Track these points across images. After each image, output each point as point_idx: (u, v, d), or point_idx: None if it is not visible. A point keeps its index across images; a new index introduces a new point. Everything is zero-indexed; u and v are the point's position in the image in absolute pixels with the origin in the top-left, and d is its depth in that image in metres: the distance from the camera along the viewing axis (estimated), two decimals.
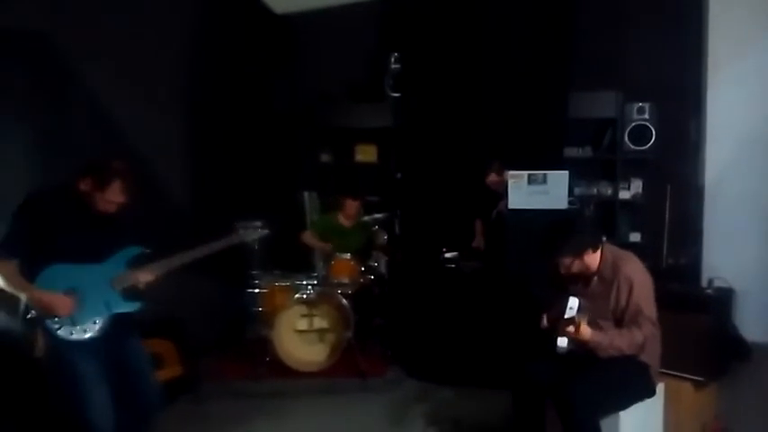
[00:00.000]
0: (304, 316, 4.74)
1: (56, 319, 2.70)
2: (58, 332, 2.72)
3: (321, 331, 4.77)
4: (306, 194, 6.37)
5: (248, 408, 4.16)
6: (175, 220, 4.64)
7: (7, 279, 2.67)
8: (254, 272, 4.95)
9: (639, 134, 5.22)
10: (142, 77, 4.46)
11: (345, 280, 4.99)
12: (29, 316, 2.70)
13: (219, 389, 4.42)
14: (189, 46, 5.10)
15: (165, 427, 3.78)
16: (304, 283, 4.81)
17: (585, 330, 2.69)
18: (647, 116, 5.20)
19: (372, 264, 5.40)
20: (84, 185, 2.76)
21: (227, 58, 5.54)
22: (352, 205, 5.34)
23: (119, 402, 2.80)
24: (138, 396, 2.93)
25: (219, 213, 3.27)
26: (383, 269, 5.56)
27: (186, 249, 3.04)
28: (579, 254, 2.89)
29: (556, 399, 2.80)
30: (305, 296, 4.67)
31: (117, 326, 2.86)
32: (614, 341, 2.76)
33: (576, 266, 2.92)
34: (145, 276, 2.91)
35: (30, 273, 2.71)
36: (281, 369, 4.60)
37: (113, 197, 2.78)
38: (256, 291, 4.93)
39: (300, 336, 4.74)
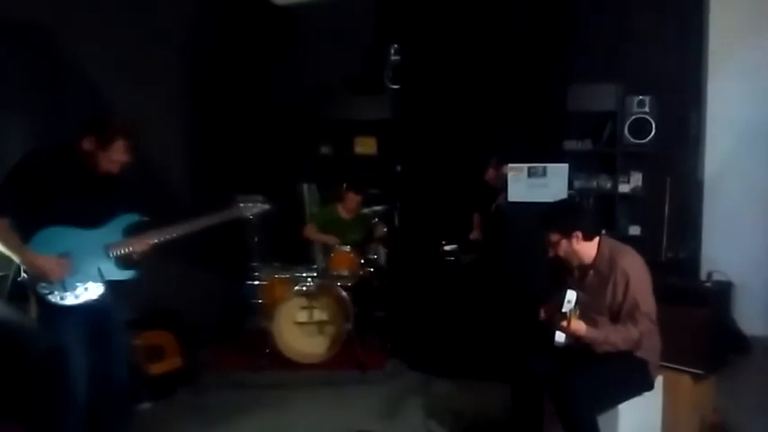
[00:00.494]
0: (304, 308, 4.74)
1: (47, 283, 2.66)
2: (48, 297, 2.68)
3: (321, 323, 4.78)
4: (305, 187, 6.37)
5: (248, 399, 4.17)
6: (173, 215, 4.63)
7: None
8: (253, 264, 4.95)
9: (639, 127, 5.22)
10: (143, 69, 4.44)
11: (345, 272, 4.98)
12: (20, 278, 2.67)
13: (219, 380, 4.43)
14: (190, 37, 5.08)
15: (166, 419, 3.82)
16: (304, 275, 4.80)
17: (578, 325, 2.68)
18: (647, 109, 5.19)
19: (372, 256, 5.40)
20: (87, 144, 2.71)
21: (227, 50, 5.52)
22: (353, 199, 5.33)
23: (92, 372, 2.77)
24: (111, 372, 2.90)
25: (217, 207, 3.20)
26: (383, 261, 5.56)
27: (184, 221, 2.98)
28: (567, 234, 2.86)
29: (553, 392, 2.80)
30: (305, 288, 4.67)
31: (107, 294, 2.81)
32: (609, 337, 2.75)
33: (563, 248, 2.88)
34: (140, 245, 2.85)
35: (25, 234, 2.65)
36: (281, 361, 4.61)
37: (117, 156, 2.74)
38: (256, 283, 4.92)
39: (300, 328, 4.76)
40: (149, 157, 4.43)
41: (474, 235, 4.99)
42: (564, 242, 2.87)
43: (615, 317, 2.84)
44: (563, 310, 2.72)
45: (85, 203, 2.77)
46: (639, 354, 2.83)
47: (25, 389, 3.11)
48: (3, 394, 3.13)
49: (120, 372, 2.96)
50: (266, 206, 3.28)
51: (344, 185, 5.38)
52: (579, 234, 2.87)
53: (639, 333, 2.76)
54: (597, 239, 2.93)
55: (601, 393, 2.75)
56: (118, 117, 2.80)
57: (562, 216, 2.93)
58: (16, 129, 3.52)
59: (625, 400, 2.84)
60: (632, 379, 2.87)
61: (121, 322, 2.98)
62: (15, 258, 2.65)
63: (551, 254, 2.93)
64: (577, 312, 2.68)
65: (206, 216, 3.05)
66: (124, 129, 2.75)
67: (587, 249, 2.91)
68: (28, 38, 3.64)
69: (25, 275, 2.67)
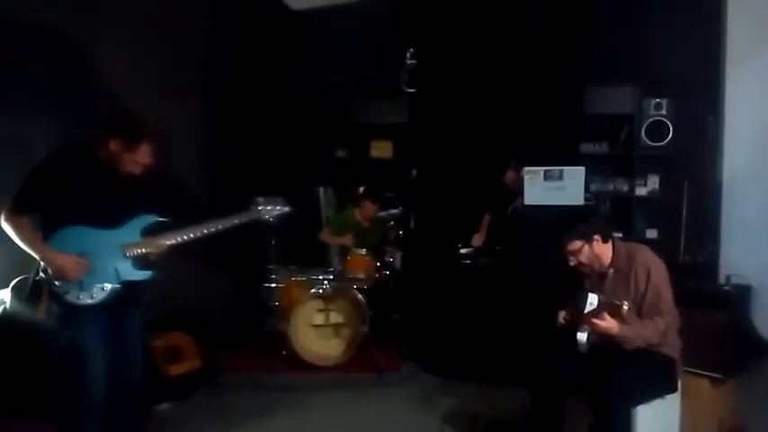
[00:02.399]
0: (320, 311, 4.77)
1: (64, 282, 2.68)
2: (66, 296, 2.70)
3: (337, 326, 4.79)
4: (321, 190, 6.40)
5: (265, 400, 4.19)
6: (191, 217, 4.68)
7: (19, 234, 2.65)
8: (270, 266, 4.99)
9: (656, 130, 5.19)
10: (161, 72, 4.49)
11: (361, 275, 5.00)
12: (38, 277, 2.70)
13: (237, 382, 4.47)
14: (207, 41, 5.13)
15: (184, 419, 3.86)
16: (320, 278, 4.84)
17: (612, 323, 2.70)
18: (664, 112, 5.17)
19: (388, 259, 5.42)
20: (113, 145, 2.72)
21: (244, 54, 5.56)
22: (371, 208, 5.34)
23: (108, 372, 2.78)
24: (127, 372, 2.91)
25: (234, 210, 3.21)
26: (398, 264, 5.57)
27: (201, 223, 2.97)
28: (588, 239, 2.89)
29: (589, 391, 2.78)
30: (321, 291, 4.70)
31: (123, 295, 2.82)
32: (640, 331, 2.78)
33: (584, 254, 2.91)
34: (156, 246, 2.85)
35: (45, 232, 2.69)
36: (298, 363, 4.63)
37: (142, 159, 2.76)
38: (273, 285, 4.96)
39: (316, 330, 4.78)
40: (168, 159, 4.49)
41: (475, 241, 4.91)
42: (586, 248, 2.91)
43: (638, 311, 2.87)
44: (586, 311, 2.73)
45: (105, 204, 2.78)
46: (666, 351, 2.86)
47: (47, 387, 3.16)
48: (28, 393, 3.18)
49: (136, 372, 2.98)
50: (286, 208, 3.23)
51: (361, 192, 5.39)
52: (599, 237, 2.91)
53: (665, 324, 2.81)
54: (611, 241, 2.98)
55: (635, 391, 2.78)
56: (144, 119, 2.80)
57: (579, 223, 2.96)
58: (38, 132, 3.56)
59: (651, 400, 2.86)
60: (661, 377, 2.90)
61: (137, 323, 2.99)
62: (36, 256, 2.68)
63: (573, 263, 2.94)
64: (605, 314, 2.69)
65: (225, 218, 3.04)
66: (151, 132, 2.76)
67: (606, 251, 2.96)
68: (49, 41, 3.69)
69: (43, 274, 2.70)
